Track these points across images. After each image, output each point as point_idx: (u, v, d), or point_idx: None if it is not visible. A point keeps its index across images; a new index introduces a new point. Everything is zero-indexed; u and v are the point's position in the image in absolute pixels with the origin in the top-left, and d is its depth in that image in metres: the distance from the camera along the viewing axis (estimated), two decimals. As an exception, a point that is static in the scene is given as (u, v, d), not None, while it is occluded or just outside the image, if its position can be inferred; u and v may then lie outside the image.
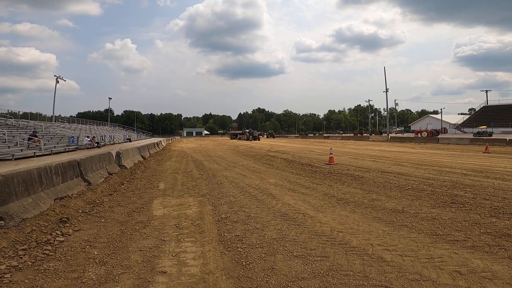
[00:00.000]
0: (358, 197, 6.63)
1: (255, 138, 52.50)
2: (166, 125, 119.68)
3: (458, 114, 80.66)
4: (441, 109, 67.23)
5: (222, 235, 4.40)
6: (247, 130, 57.94)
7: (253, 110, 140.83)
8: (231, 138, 62.51)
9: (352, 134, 69.79)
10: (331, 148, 15.50)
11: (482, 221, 4.67)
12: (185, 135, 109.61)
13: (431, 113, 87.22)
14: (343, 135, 68.95)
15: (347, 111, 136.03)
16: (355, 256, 3.55)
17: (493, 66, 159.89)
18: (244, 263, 3.47)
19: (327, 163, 12.74)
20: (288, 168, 11.93)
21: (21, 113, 32.29)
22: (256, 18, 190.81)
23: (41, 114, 37.56)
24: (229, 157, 17.74)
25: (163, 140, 38.09)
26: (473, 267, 3.24)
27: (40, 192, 5.26)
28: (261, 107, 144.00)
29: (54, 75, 42.26)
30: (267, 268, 3.33)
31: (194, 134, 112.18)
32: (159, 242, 4.18)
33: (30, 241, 3.98)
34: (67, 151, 22.08)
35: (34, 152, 18.03)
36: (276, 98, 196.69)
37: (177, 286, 3.01)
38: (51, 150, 20.07)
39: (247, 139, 50.89)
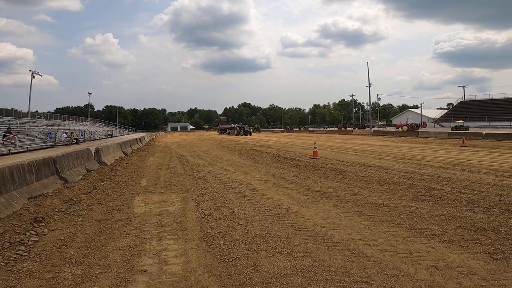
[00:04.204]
0: (340, 191, 6.72)
1: (246, 132, 49.36)
2: (150, 120, 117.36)
3: (437, 108, 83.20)
4: (420, 104, 69.22)
5: (205, 232, 4.35)
6: (237, 125, 55.01)
7: (239, 104, 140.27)
8: (219, 133, 59.34)
9: (337, 128, 70.76)
10: (315, 142, 15.64)
11: (458, 215, 4.81)
12: (169, 130, 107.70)
13: (411, 107, 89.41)
14: (328, 129, 69.80)
15: (331, 105, 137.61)
16: (337, 252, 3.59)
17: (470, 63, 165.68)
18: (226, 260, 3.44)
19: (311, 157, 12.86)
20: (273, 162, 11.96)
21: (-5, 109, 30.68)
22: (243, 13, 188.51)
23: (16, 110, 35.76)
24: (214, 152, 17.60)
25: (146, 136, 37.30)
26: (449, 262, 3.30)
27: (12, 191, 5.03)
28: (247, 102, 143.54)
29: (30, 70, 40.27)
30: (250, 265, 3.32)
31: (179, 129, 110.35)
32: (139, 240, 4.10)
33: (3, 241, 3.84)
34: (44, 148, 21.27)
35: (9, 150, 17.25)
36: (262, 93, 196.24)
37: (158, 285, 2.96)
38: (27, 147, 19.26)
39: (237, 134, 48.21)
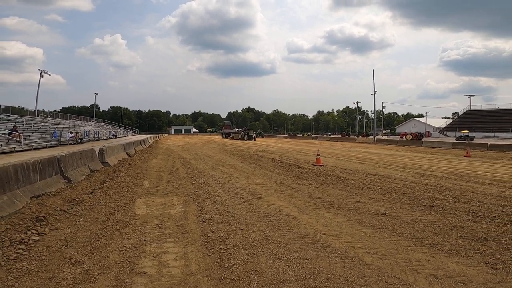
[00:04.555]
0: (342, 199, 6.69)
1: (250, 137, 48.10)
2: (154, 122, 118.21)
3: (442, 118, 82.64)
4: (425, 113, 68.86)
5: (206, 235, 4.35)
6: (241, 129, 53.96)
7: (243, 109, 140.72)
8: (223, 137, 58.03)
9: (340, 136, 70.47)
10: (318, 149, 15.63)
11: (460, 225, 4.78)
12: (173, 132, 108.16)
13: (416, 116, 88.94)
14: (331, 136, 69.52)
15: (335, 112, 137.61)
16: (337, 259, 3.57)
17: (477, 71, 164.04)
18: (226, 264, 3.44)
19: (314, 164, 12.83)
20: (275, 168, 11.95)
21: (3, 107, 31.07)
22: (250, 18, 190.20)
23: (23, 108, 36.25)
24: (217, 156, 17.63)
25: (150, 137, 37.51)
26: (449, 271, 3.29)
27: (16, 190, 5.07)
28: (251, 106, 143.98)
29: (39, 69, 40.93)
30: (249, 270, 3.31)
31: (182, 132, 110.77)
32: (140, 242, 4.10)
33: (3, 240, 3.86)
34: (49, 147, 21.46)
35: (14, 147, 17.44)
36: (266, 98, 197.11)
37: (157, 287, 2.96)
38: (32, 146, 19.46)
39: (241, 139, 47.24)
